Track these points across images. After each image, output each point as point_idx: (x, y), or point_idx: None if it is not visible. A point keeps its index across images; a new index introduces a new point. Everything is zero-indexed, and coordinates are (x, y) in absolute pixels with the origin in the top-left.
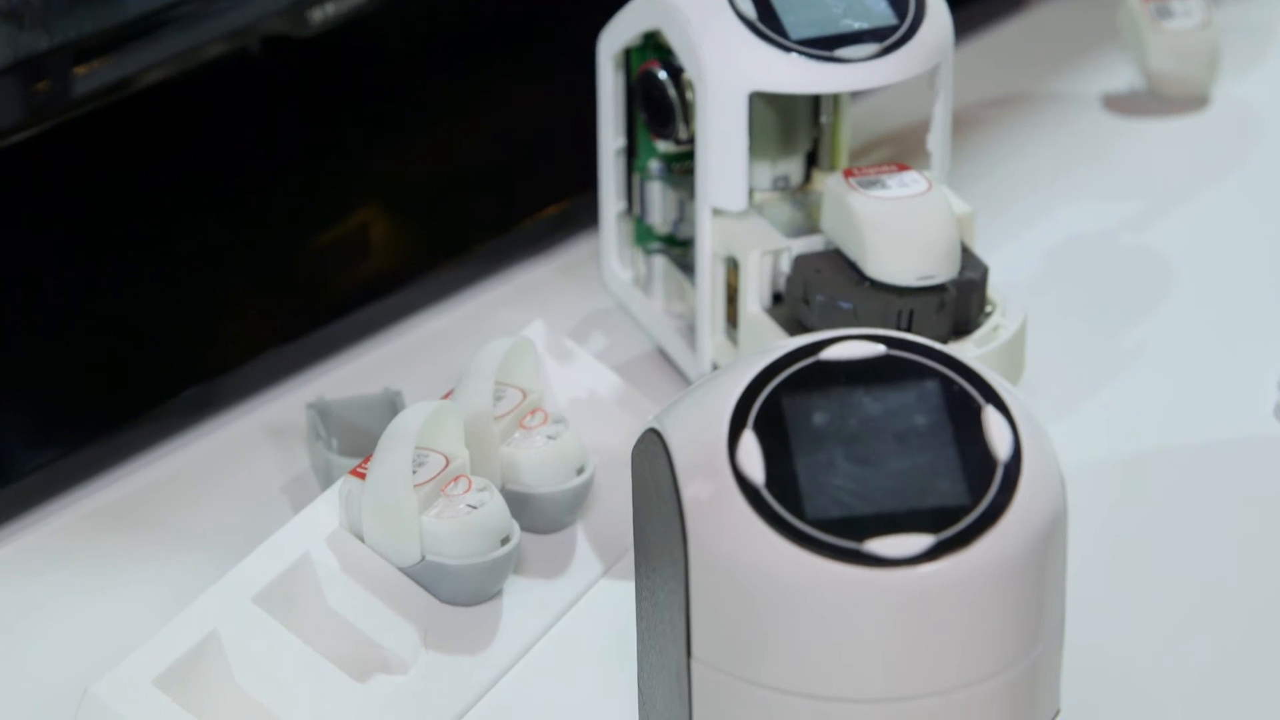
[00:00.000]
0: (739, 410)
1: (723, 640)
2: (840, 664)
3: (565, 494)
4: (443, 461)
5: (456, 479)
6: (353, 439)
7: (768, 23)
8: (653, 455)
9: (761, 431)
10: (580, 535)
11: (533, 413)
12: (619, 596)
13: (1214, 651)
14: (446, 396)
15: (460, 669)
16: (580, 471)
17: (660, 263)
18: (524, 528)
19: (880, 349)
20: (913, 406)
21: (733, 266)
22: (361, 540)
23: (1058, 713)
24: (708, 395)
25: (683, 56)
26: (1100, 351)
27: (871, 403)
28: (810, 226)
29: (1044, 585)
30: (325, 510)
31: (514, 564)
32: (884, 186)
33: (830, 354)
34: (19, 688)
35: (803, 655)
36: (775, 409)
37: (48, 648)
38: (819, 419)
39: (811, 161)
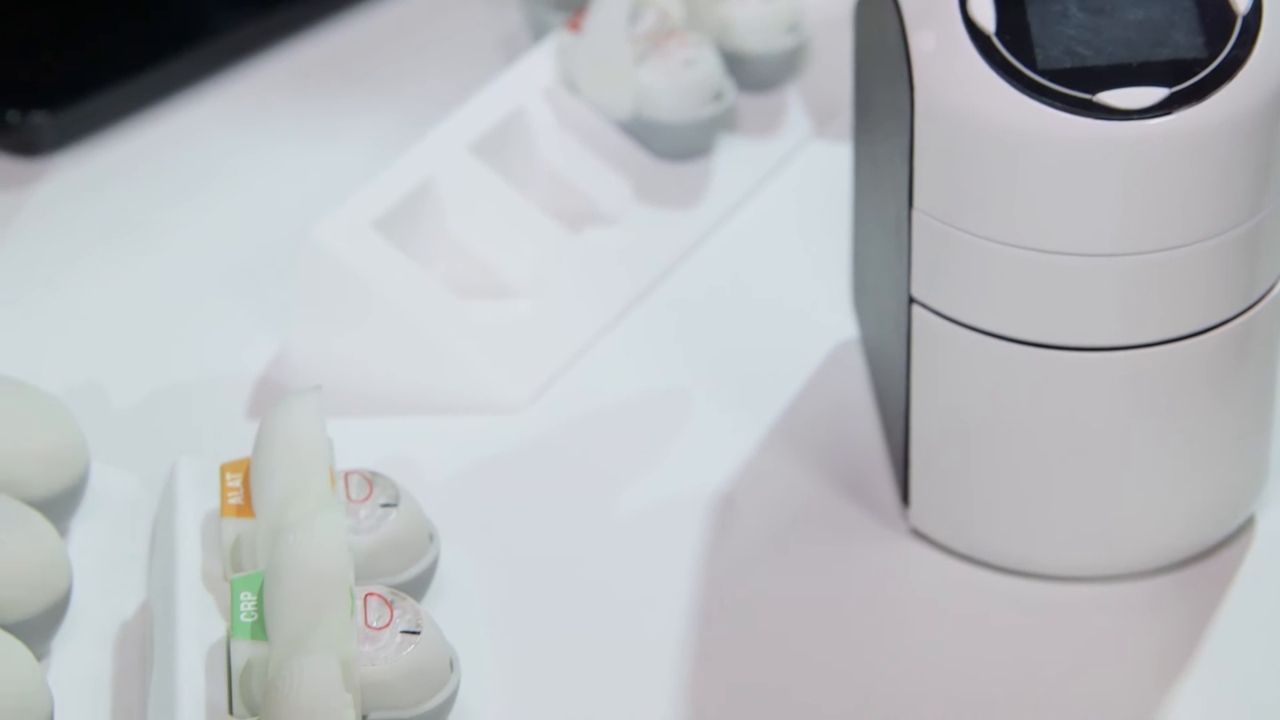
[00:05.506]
0: None
1: (946, 191)
2: (1066, 217)
3: (779, 53)
4: (659, 17)
5: (672, 35)
6: None
7: None
8: (879, 6)
9: None
10: (793, 95)
11: None
12: (831, 155)
13: None
14: None
15: (670, 223)
16: (794, 30)
17: None
18: (738, 86)
19: None
20: None
21: None
22: (576, 94)
23: None
24: None
25: None
26: None
27: None
28: None
29: (1277, 144)
30: (540, 63)
31: (727, 121)
32: None
33: None
34: (241, 232)
35: (1028, 207)
36: None
37: (267, 194)
38: None
39: None
